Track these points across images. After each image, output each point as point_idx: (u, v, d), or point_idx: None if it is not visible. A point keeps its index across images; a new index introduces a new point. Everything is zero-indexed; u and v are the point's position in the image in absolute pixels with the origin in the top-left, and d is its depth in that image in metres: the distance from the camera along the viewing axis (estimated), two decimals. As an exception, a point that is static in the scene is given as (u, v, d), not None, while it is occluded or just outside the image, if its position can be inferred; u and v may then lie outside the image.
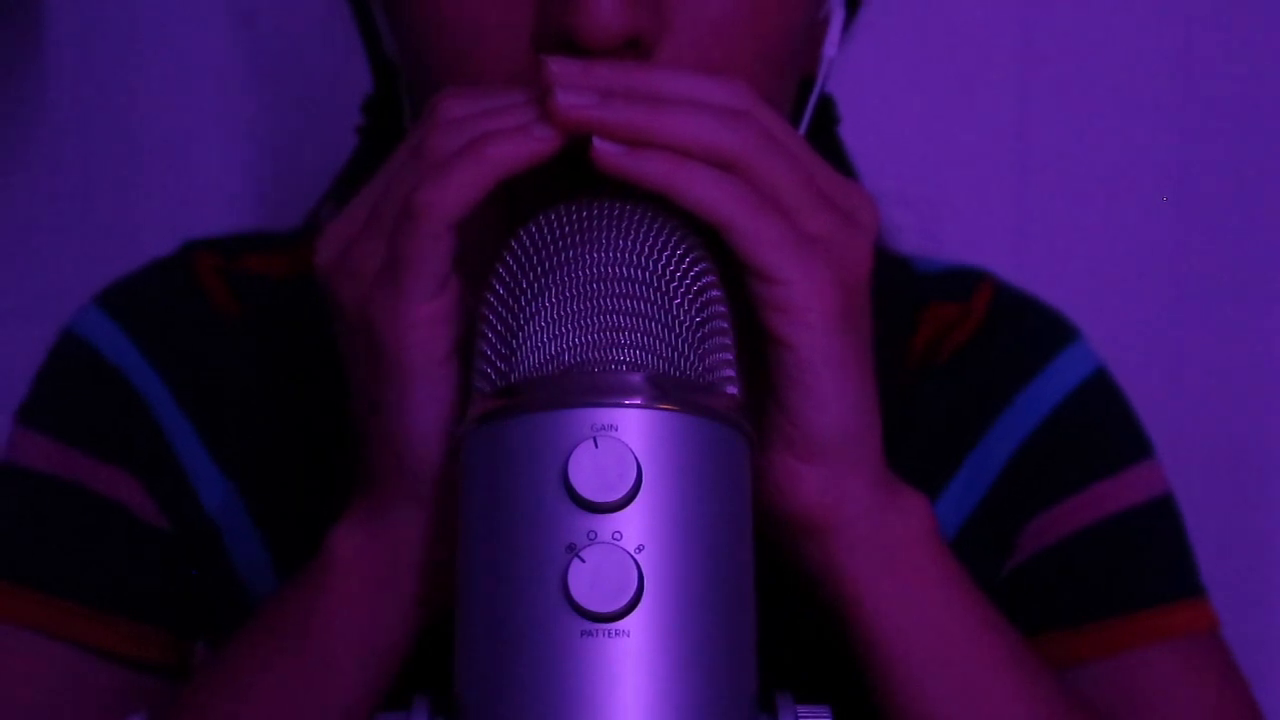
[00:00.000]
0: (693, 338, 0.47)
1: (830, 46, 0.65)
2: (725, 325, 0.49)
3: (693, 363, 0.47)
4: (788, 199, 0.52)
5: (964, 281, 0.77)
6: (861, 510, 0.56)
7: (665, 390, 0.45)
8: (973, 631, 0.59)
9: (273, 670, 0.59)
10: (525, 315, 0.47)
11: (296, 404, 0.72)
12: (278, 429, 0.72)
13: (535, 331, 0.47)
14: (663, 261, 0.48)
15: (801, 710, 0.45)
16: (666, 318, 0.47)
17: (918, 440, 0.72)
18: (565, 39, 0.53)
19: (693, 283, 0.49)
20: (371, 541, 0.56)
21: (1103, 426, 0.75)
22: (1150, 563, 0.73)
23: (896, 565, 0.57)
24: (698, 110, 0.52)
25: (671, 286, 0.48)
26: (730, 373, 0.49)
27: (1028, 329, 0.76)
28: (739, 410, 0.47)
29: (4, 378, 1.05)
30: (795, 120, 0.64)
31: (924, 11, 1.06)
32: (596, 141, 0.51)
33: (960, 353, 0.75)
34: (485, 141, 0.51)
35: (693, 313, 0.48)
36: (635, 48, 0.54)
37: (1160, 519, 0.74)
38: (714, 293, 0.49)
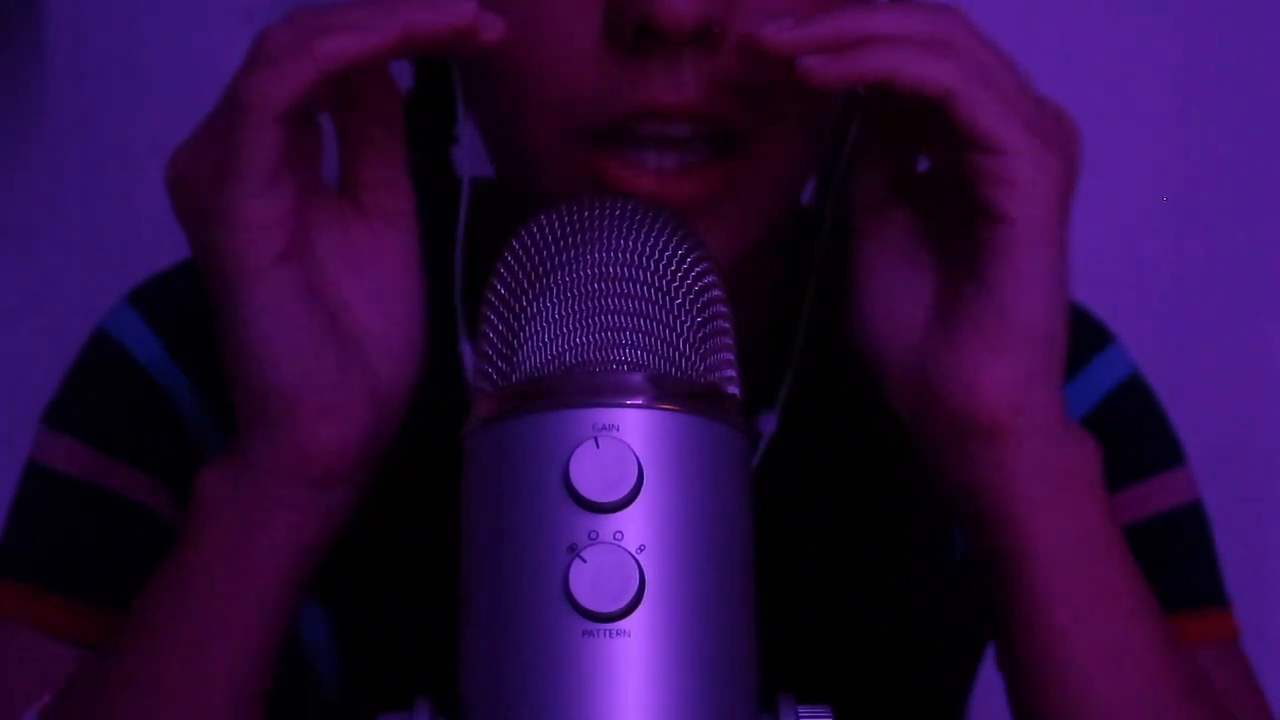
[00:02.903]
0: (694, 337, 0.47)
1: None
2: (727, 325, 0.49)
3: (694, 362, 0.47)
4: (1007, 86, 0.52)
5: None
6: (1044, 421, 0.54)
7: (666, 390, 0.45)
8: (1122, 581, 0.57)
9: (157, 617, 0.57)
10: (526, 315, 0.47)
11: None
12: None
13: (536, 332, 0.47)
14: (664, 261, 0.48)
15: (802, 710, 0.45)
16: (668, 317, 0.47)
17: None
18: (639, 26, 0.53)
19: (694, 282, 0.49)
20: (231, 477, 0.55)
21: (1136, 431, 0.74)
22: (1175, 569, 0.72)
23: (1064, 495, 0.55)
24: (902, 9, 0.52)
25: (673, 286, 0.48)
26: (732, 372, 0.49)
27: None
28: (740, 410, 0.47)
29: (4, 376, 1.05)
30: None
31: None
32: (805, 60, 0.51)
33: None
34: (316, 34, 0.50)
35: (694, 312, 0.48)
36: (705, 39, 0.54)
37: (1188, 526, 0.73)
38: (715, 292, 0.49)
